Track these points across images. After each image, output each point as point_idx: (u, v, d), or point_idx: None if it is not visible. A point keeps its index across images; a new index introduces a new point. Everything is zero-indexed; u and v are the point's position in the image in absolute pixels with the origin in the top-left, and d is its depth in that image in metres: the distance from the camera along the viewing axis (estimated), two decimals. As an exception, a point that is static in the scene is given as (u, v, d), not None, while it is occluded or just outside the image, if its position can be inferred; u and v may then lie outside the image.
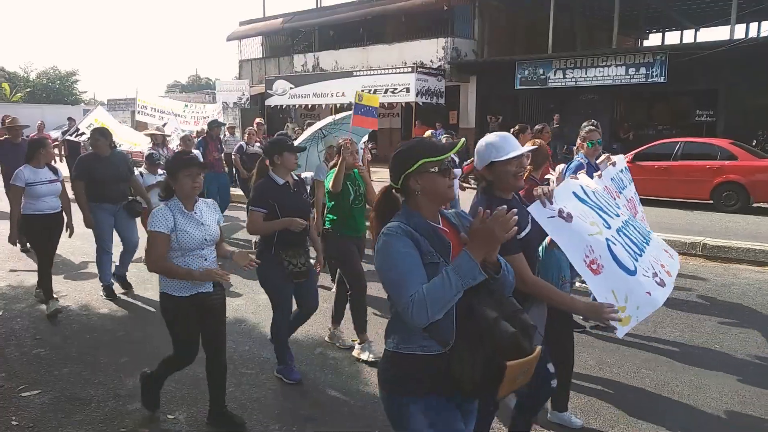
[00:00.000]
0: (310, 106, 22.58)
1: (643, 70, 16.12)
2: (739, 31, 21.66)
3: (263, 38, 27.36)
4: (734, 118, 15.48)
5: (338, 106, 20.72)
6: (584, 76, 17.28)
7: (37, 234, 5.40)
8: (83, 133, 9.22)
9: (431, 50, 20.28)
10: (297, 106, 22.93)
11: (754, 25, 23.94)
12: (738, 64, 14.91)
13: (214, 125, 9.99)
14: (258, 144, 9.76)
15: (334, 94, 20.96)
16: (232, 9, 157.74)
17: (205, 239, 3.26)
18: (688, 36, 26.44)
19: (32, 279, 6.54)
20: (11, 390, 3.94)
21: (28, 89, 44.66)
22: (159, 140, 9.17)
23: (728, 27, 16.67)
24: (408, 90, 18.70)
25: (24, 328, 5.13)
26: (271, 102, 23.45)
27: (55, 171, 5.50)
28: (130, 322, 5.25)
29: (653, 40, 28.05)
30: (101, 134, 5.79)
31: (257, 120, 11.14)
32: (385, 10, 22.17)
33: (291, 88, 22.51)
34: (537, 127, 6.22)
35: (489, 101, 19.90)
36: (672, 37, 28.04)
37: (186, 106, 9.50)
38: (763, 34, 22.69)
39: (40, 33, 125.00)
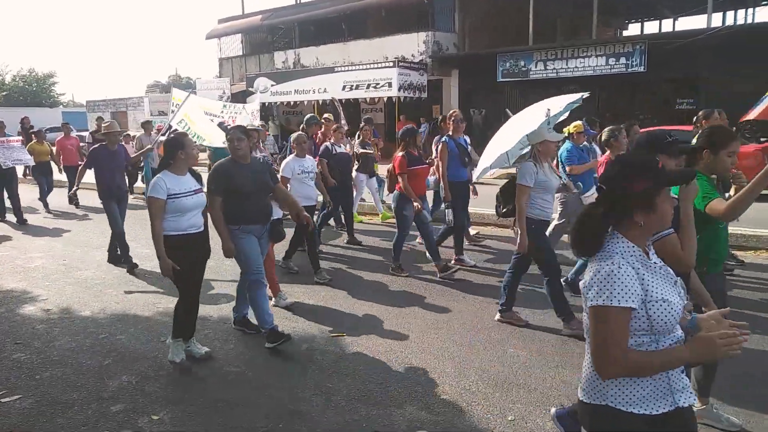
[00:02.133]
0: (292, 103, 22.46)
1: (623, 60, 16.22)
2: (716, 19, 21.87)
3: (243, 36, 27.14)
4: (715, 106, 15.54)
5: (320, 102, 20.64)
6: (565, 67, 17.36)
7: (179, 262, 4.08)
8: (175, 130, 8.48)
9: (412, 44, 20.25)
10: (279, 103, 22.79)
11: (730, 14, 24.23)
12: (717, 52, 15.04)
13: (312, 122, 8.77)
14: (356, 143, 9.15)
15: (316, 90, 20.84)
16: (211, 7, 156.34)
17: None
18: (667, 25, 26.67)
19: (11, 282, 6.45)
20: (-9, 396, 3.86)
21: (4, 92, 44.01)
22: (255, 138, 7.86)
23: (705, 16, 16.82)
24: (390, 85, 18.66)
25: (4, 332, 5.03)
26: (252, 99, 23.26)
27: (198, 178, 4.34)
28: (112, 324, 5.16)
29: (632, 30, 28.26)
30: (244, 133, 4.51)
31: (327, 114, 9.69)
32: (365, 5, 22.09)
33: (272, 86, 22.35)
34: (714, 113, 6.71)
35: (472, 94, 19.91)
36: (651, 27, 28.26)
37: (225, 106, 8.94)
38: (739, 22, 22.99)
39: (16, 35, 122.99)
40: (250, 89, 23.20)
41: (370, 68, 19.38)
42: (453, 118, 6.74)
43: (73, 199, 12.23)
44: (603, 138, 5.53)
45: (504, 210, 4.94)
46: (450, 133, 6.74)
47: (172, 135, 4.36)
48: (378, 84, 19.01)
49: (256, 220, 4.54)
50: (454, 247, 6.85)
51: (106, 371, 4.19)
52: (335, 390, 3.83)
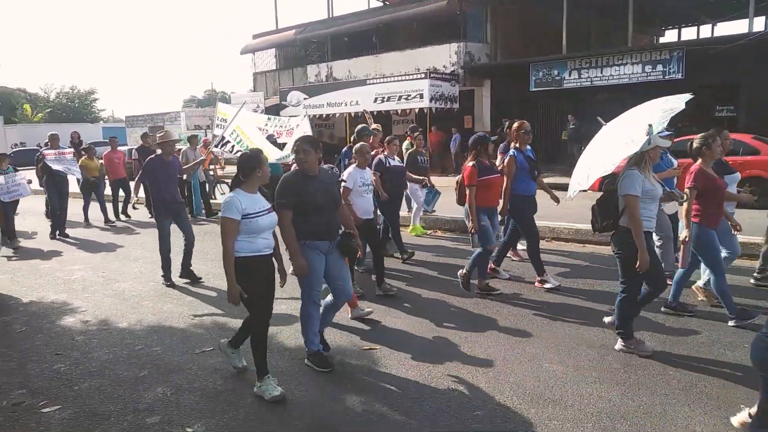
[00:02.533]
0: (324, 116, 22.66)
1: (660, 67, 15.89)
2: (758, 23, 21.27)
3: (276, 50, 27.57)
4: (756, 112, 15.15)
5: (352, 114, 20.79)
6: (600, 75, 17.09)
7: (254, 284, 3.83)
8: (227, 142, 7.93)
9: (444, 55, 20.25)
10: (311, 116, 22.98)
11: (773, 18, 23.54)
12: (758, 58, 14.61)
13: (364, 132, 7.59)
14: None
15: (348, 102, 21.01)
16: (247, 23, 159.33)
17: None
18: (705, 31, 26.06)
19: (53, 293, 6.63)
20: (32, 406, 3.95)
21: (49, 109, 45.60)
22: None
23: (746, 20, 16.37)
24: (422, 96, 18.66)
25: (45, 343, 5.16)
26: (285, 113, 23.58)
27: (267, 196, 4.09)
28: (148, 335, 5.24)
29: (669, 36, 27.71)
30: (310, 144, 4.24)
31: (375, 125, 8.84)
32: (397, 18, 22.22)
33: (305, 99, 22.62)
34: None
35: (504, 104, 19.76)
36: (689, 33, 27.64)
37: (269, 119, 8.99)
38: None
39: (60, 54, 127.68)
40: (283, 102, 23.54)
41: (402, 80, 19.45)
42: (522, 130, 6.31)
43: (124, 213, 12.47)
44: (694, 146, 5.23)
45: (603, 224, 4.49)
46: (517, 145, 6.33)
47: (248, 151, 4.08)
48: (409, 95, 19.04)
49: (325, 235, 4.29)
50: (496, 257, 6.63)
51: (142, 383, 4.24)
52: (368, 404, 3.79)
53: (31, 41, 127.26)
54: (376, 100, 19.96)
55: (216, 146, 8.07)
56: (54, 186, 10.36)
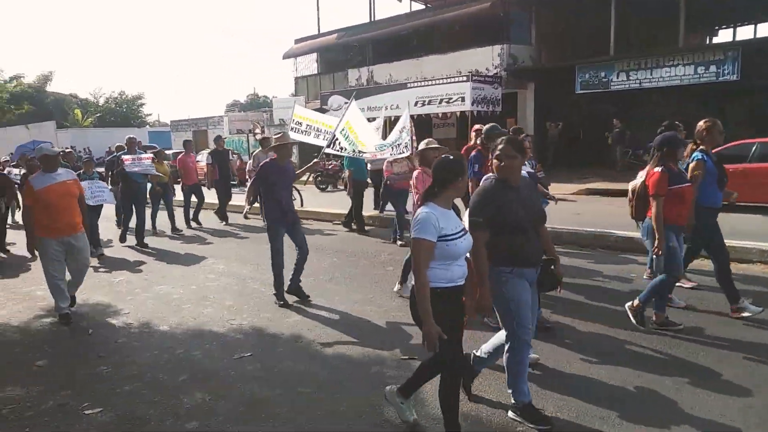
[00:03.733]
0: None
1: (713, 68, 15.26)
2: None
3: (318, 54, 27.77)
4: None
5: (392, 118, 20.68)
6: (649, 77, 16.53)
7: (447, 319, 3.07)
8: (336, 140, 7.28)
9: (487, 58, 19.98)
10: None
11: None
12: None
13: (494, 132, 6.20)
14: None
15: (389, 106, 20.90)
16: (289, 27, 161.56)
17: None
18: (763, 30, 24.99)
19: (98, 295, 6.74)
20: (76, 407, 3.98)
21: (98, 114, 47.03)
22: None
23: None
24: (463, 99, 18.44)
25: (90, 345, 5.23)
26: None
27: (457, 211, 3.45)
28: (188, 340, 5.25)
29: (723, 36, 26.67)
30: (517, 147, 3.45)
31: (477, 126, 7.71)
32: (439, 21, 22.06)
33: (345, 103, 22.63)
34: None
35: (548, 107, 19.39)
36: (745, 32, 26.53)
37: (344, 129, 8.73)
38: None
39: (109, 60, 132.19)
40: (324, 107, 23.66)
41: (443, 83, 19.27)
42: (715, 129, 5.26)
43: (195, 220, 11.81)
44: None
45: None
46: (703, 147, 5.31)
47: (450, 156, 3.23)
48: (451, 99, 18.85)
49: (532, 260, 3.52)
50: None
51: (182, 388, 4.23)
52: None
53: (83, 48, 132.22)
54: (416, 103, 19.82)
55: (328, 147, 7.60)
56: (131, 194, 9.82)
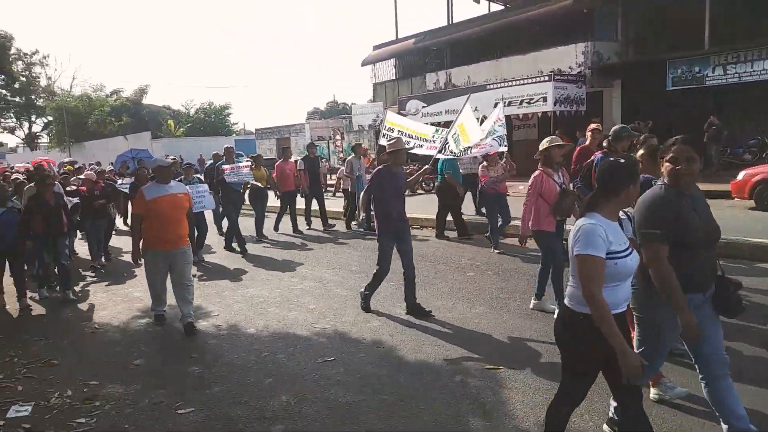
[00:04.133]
0: (442, 123, 22.52)
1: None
2: None
3: (396, 60, 27.93)
4: None
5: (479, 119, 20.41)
6: (750, 70, 15.38)
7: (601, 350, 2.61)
8: (447, 143, 7.33)
9: (570, 56, 19.31)
10: (429, 124, 22.97)
11: None
12: None
13: (623, 134, 5.86)
14: None
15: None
16: (367, 34, 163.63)
17: None
18: None
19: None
20: (169, 407, 4.16)
21: (189, 124, 49.57)
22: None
23: None
24: (545, 99, 17.92)
25: (183, 346, 5.48)
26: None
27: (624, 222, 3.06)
28: (273, 342, 5.38)
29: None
30: (693, 148, 3.02)
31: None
32: (519, 20, 21.60)
33: (423, 107, 22.66)
34: None
35: (636, 105, 18.46)
36: None
37: (437, 130, 8.76)
38: None
39: (198, 72, 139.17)
40: (402, 112, 23.75)
41: (524, 83, 18.82)
42: None
43: (299, 229, 11.72)
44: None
45: None
46: None
47: (620, 159, 2.80)
48: (532, 99, 18.37)
49: (702, 284, 3.04)
50: None
51: (268, 390, 4.32)
52: (492, 430, 3.56)
53: (175, 62, 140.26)
54: (496, 105, 19.46)
55: (439, 152, 7.57)
56: (231, 202, 10.01)
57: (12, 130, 60.57)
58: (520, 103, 18.77)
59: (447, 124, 22.41)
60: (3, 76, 42.41)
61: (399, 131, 7.73)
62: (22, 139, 62.28)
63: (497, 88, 19.86)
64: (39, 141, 60.93)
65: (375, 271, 6.11)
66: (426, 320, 5.73)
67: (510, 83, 19.53)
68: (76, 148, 46.82)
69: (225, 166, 10.04)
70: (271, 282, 7.70)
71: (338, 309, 6.29)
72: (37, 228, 7.09)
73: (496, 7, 26.23)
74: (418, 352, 4.92)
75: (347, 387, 4.29)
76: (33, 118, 59.90)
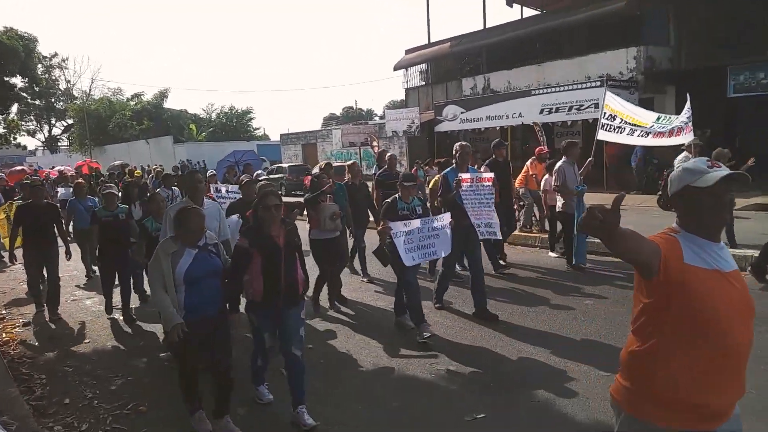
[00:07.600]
0: (482, 129, 21.79)
1: None
2: None
3: (428, 64, 27.22)
4: None
5: (512, 127, 19.71)
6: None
7: None
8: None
9: (619, 61, 18.52)
10: (467, 130, 22.27)
11: None
12: None
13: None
14: None
15: (510, 115, 19.98)
16: (396, 38, 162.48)
17: None
18: None
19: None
20: None
21: (211, 129, 49.01)
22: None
23: None
24: (596, 106, 17.01)
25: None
26: (440, 128, 23.08)
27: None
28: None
29: None
30: None
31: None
32: (562, 23, 20.83)
33: (462, 113, 21.94)
34: None
35: (693, 113, 17.57)
36: None
37: (658, 118, 8.09)
38: None
39: (220, 77, 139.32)
40: (438, 117, 23.05)
41: (573, 89, 18.04)
42: None
43: None
44: None
45: None
46: None
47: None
48: (582, 105, 17.59)
49: None
50: None
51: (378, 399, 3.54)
52: None
53: (196, 67, 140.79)
54: (542, 111, 18.74)
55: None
56: None
57: (33, 133, 60.61)
58: (569, 110, 18.03)
59: (483, 131, 21.79)
60: (27, 79, 42.07)
61: (621, 119, 7.37)
62: (42, 142, 62.30)
63: (542, 93, 19.12)
64: (59, 144, 60.90)
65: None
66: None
67: (555, 89, 18.80)
68: (96, 152, 46.48)
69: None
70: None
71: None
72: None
73: (529, 12, 25.53)
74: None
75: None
76: (53, 121, 59.94)
